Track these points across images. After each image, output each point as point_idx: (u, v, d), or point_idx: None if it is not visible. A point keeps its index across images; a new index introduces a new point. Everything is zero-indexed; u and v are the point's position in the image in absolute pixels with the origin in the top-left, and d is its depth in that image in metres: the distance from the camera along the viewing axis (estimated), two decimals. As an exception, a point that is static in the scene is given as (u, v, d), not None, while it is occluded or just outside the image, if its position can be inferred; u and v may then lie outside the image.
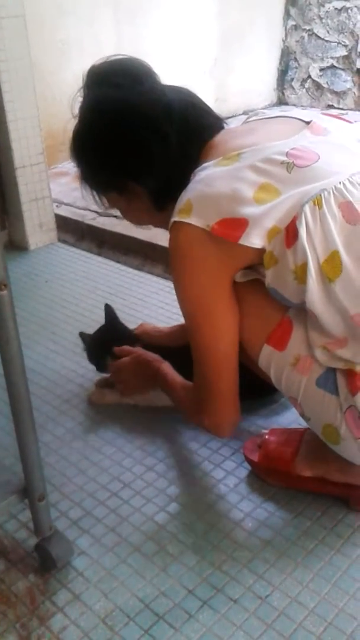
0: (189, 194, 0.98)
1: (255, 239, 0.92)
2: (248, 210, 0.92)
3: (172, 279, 1.04)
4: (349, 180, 0.92)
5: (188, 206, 0.96)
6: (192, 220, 0.95)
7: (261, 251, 0.93)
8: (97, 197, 1.19)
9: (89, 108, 1.08)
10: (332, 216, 0.90)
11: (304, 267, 0.90)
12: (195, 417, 1.16)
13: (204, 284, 1.00)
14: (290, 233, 0.91)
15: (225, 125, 1.13)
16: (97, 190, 1.17)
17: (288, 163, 0.94)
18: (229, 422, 1.14)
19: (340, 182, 0.92)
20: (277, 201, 0.92)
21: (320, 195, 0.90)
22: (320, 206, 0.90)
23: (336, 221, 0.90)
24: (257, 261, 0.96)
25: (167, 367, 1.31)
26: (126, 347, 1.41)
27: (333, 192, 0.91)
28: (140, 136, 1.06)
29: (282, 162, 0.94)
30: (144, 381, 1.37)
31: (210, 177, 0.98)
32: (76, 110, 1.09)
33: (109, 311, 1.52)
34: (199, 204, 0.96)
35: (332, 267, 0.89)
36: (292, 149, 0.96)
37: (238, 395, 1.11)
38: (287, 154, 0.95)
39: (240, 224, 0.92)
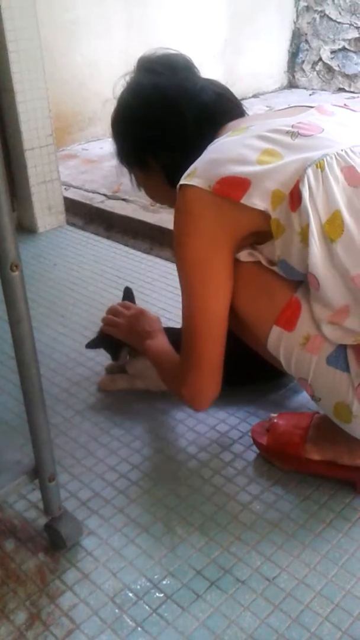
0: (196, 162, 1.02)
1: (256, 200, 0.94)
2: (250, 170, 0.95)
3: (173, 239, 1.06)
4: (350, 149, 0.95)
5: (193, 170, 1.01)
6: (194, 181, 0.98)
7: (264, 215, 0.95)
8: (130, 176, 1.25)
9: (127, 89, 1.17)
10: (334, 178, 0.92)
11: (308, 228, 0.92)
12: (174, 385, 1.17)
13: (202, 243, 1.01)
14: (294, 197, 0.93)
15: (246, 114, 1.18)
16: (125, 165, 1.23)
17: (293, 132, 0.98)
18: (207, 395, 1.12)
19: (342, 150, 0.94)
20: (279, 163, 0.95)
21: (323, 159, 0.93)
22: (322, 169, 0.93)
23: (338, 183, 0.92)
24: (261, 227, 0.97)
25: (161, 336, 1.32)
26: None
27: (335, 157, 0.94)
28: (159, 114, 1.12)
29: (287, 131, 0.99)
30: (133, 333, 1.37)
31: (217, 146, 1.03)
32: (118, 93, 1.18)
33: (127, 294, 1.51)
34: (203, 168, 1.00)
35: (333, 227, 0.91)
36: (298, 122, 1.00)
37: (221, 369, 1.09)
38: (292, 126, 1.00)
39: (241, 183, 0.95)
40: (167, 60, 1.16)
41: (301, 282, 1.00)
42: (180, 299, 1.07)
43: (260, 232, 0.99)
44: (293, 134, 0.97)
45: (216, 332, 1.06)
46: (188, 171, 1.02)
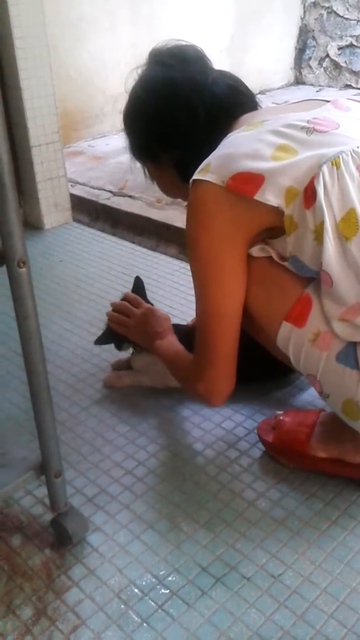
0: (209, 157, 1.02)
1: (270, 196, 0.93)
2: (264, 166, 0.94)
3: (186, 235, 1.05)
4: None
5: (206, 166, 1.00)
6: (208, 176, 0.98)
7: (277, 212, 0.95)
8: (143, 169, 1.25)
9: (139, 82, 1.16)
10: (350, 176, 0.92)
11: (322, 226, 0.91)
12: (188, 383, 1.17)
13: (216, 239, 1.00)
14: (308, 194, 0.92)
15: (259, 107, 1.17)
16: (137, 159, 1.23)
17: (308, 128, 0.97)
18: (223, 390, 1.12)
19: (358, 147, 0.93)
20: (294, 160, 0.94)
21: (339, 156, 0.92)
22: (338, 166, 0.92)
23: (354, 180, 0.92)
24: (274, 223, 0.97)
25: (171, 336, 1.33)
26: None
27: (351, 154, 0.93)
28: (170, 110, 1.12)
29: (303, 127, 0.97)
30: (142, 334, 1.37)
31: (232, 141, 1.02)
32: (129, 87, 1.18)
33: (138, 285, 1.50)
34: (217, 163, 0.99)
35: (348, 225, 0.91)
36: (313, 118, 0.99)
37: (236, 364, 1.10)
38: (307, 122, 0.98)
39: (255, 179, 0.94)
40: (179, 52, 1.15)
41: (312, 278, 1.00)
42: (186, 296, 1.07)
43: (273, 228, 0.98)
44: (308, 130, 0.96)
45: (231, 328, 1.06)
46: (202, 166, 1.01)
